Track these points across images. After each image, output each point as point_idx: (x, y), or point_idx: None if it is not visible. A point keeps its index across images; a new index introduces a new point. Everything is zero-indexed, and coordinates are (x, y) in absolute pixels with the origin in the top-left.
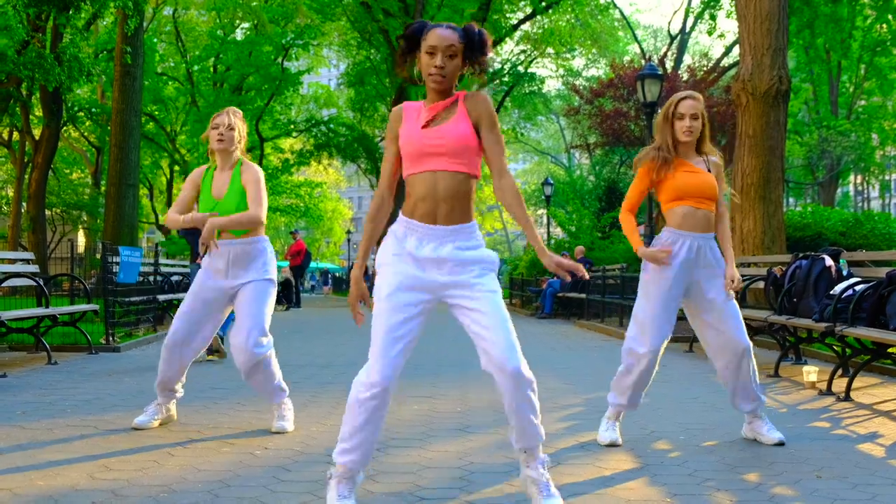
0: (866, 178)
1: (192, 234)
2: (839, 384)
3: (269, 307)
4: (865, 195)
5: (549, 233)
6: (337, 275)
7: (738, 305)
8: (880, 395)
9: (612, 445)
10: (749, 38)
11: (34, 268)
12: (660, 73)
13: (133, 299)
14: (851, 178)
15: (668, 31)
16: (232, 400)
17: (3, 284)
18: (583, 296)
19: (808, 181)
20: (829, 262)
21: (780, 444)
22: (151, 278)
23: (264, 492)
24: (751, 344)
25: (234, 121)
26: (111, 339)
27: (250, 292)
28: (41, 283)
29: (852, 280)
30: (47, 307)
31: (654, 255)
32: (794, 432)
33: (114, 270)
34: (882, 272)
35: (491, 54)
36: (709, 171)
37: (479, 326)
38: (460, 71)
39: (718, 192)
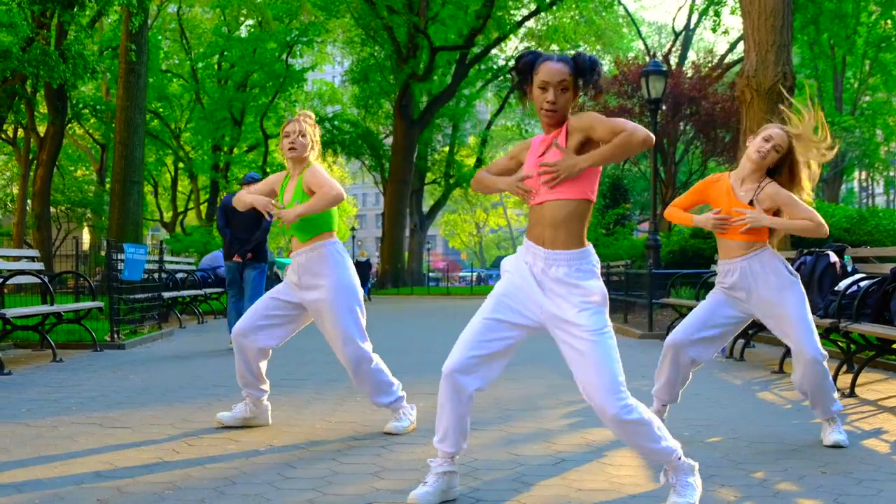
0: (871, 175)
1: (228, 231)
2: (844, 380)
3: (355, 312)
4: (870, 191)
5: None
6: None
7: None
8: (885, 391)
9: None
10: (753, 34)
11: (39, 265)
12: (664, 69)
13: (138, 297)
14: (856, 174)
15: (673, 27)
16: (236, 397)
17: (8, 282)
18: None
19: None
20: (833, 258)
21: (837, 446)
22: (156, 275)
23: (269, 489)
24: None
25: (305, 127)
26: (116, 336)
27: (327, 307)
28: (46, 280)
29: (857, 276)
30: (52, 304)
31: (707, 220)
32: (799, 428)
33: (119, 268)
34: (886, 268)
35: (604, 73)
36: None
37: (575, 367)
38: (573, 101)
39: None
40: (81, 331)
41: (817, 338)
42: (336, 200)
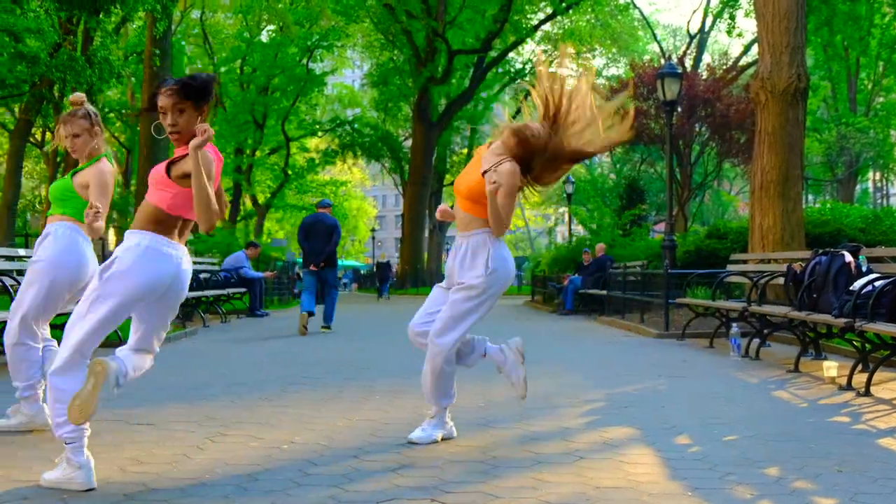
0: (885, 175)
1: (306, 245)
2: (859, 379)
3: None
4: (885, 192)
5: (570, 230)
6: (362, 272)
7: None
8: None
9: None
10: (767, 36)
11: None
12: (679, 71)
13: None
14: (870, 174)
15: (688, 30)
16: (258, 394)
17: None
18: (604, 292)
19: (826, 178)
20: (848, 257)
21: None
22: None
23: (292, 485)
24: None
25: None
26: None
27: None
28: None
29: (872, 276)
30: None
31: None
32: (814, 427)
33: None
34: None
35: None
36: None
37: None
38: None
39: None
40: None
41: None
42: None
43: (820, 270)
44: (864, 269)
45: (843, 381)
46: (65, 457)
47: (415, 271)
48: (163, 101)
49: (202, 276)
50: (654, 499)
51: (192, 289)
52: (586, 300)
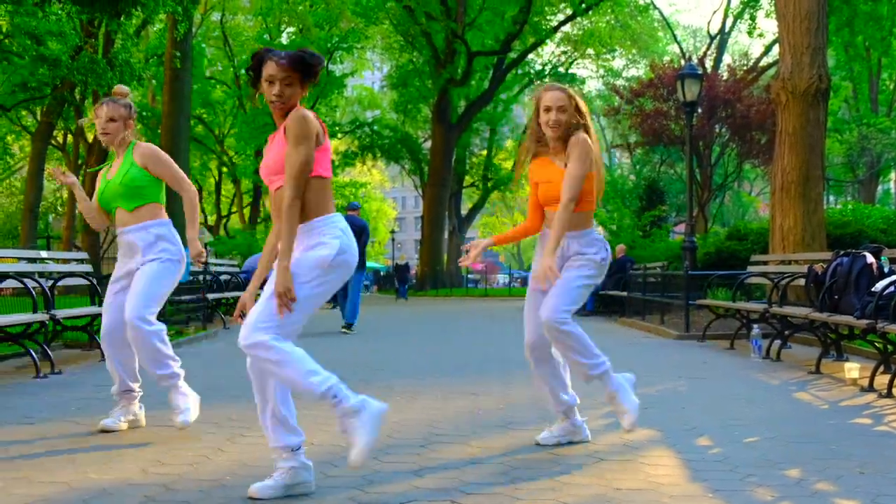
0: None
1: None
2: (881, 381)
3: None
4: None
5: None
6: (382, 273)
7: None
8: None
9: None
10: (788, 37)
11: (87, 267)
12: (699, 72)
13: (183, 298)
14: (893, 175)
15: (708, 30)
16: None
17: (59, 284)
18: (624, 294)
19: (848, 179)
20: (870, 258)
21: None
22: (201, 277)
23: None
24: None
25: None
26: None
27: None
28: (94, 282)
29: (894, 277)
30: (101, 306)
31: None
32: (836, 429)
33: None
34: None
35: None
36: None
37: None
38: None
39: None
40: None
41: None
42: None
43: (841, 272)
44: (885, 270)
45: (865, 382)
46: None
47: (434, 273)
48: (272, 69)
49: (222, 277)
50: (674, 500)
51: (211, 290)
52: (606, 301)
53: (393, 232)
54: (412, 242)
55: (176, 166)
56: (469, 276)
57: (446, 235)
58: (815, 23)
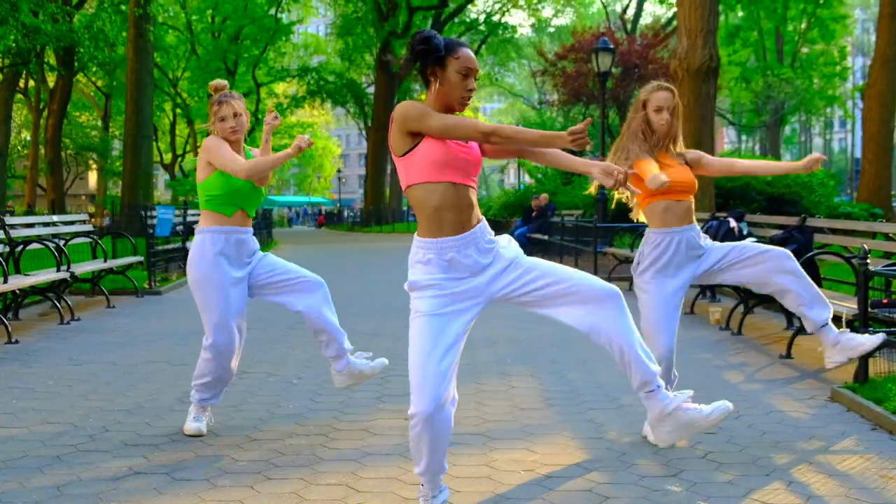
0: (807, 119)
1: None
2: (737, 321)
3: None
4: (808, 134)
5: (519, 178)
6: (328, 209)
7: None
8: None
9: None
10: (685, 21)
11: (89, 227)
12: (612, 47)
13: (167, 247)
14: (797, 116)
15: None
16: (271, 332)
17: (70, 242)
18: (546, 237)
19: (755, 124)
20: (733, 223)
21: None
22: (179, 228)
23: (306, 410)
24: None
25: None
26: (153, 283)
27: None
28: (97, 239)
29: (748, 239)
30: (105, 260)
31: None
32: (686, 360)
33: (152, 224)
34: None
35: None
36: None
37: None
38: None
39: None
40: (124, 280)
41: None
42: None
43: (710, 233)
44: (745, 232)
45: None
46: None
47: (378, 210)
48: (474, 64)
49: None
50: (656, 496)
51: (190, 238)
52: (534, 242)
53: (339, 170)
54: (356, 178)
55: None
56: (409, 210)
57: (388, 174)
58: (707, 9)
